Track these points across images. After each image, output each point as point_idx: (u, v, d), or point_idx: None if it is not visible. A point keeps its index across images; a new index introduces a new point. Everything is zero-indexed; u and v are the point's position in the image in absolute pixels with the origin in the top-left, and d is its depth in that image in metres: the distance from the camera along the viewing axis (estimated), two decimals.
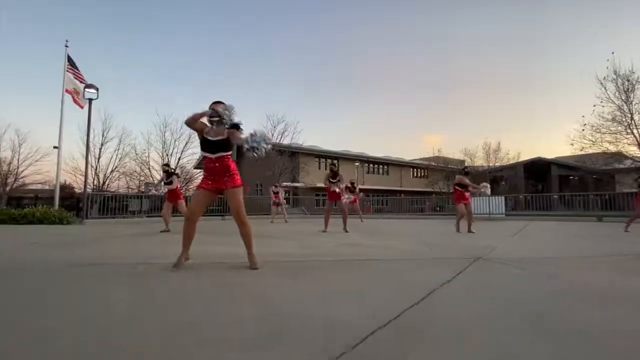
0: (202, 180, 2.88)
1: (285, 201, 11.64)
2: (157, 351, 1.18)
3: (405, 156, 39.82)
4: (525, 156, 36.03)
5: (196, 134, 2.88)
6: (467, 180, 6.53)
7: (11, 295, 1.94)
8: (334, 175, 6.73)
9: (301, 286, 2.19)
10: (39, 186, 24.20)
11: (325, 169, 31.20)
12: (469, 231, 6.12)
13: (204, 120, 2.85)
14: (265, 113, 34.16)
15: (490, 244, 4.38)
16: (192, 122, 2.83)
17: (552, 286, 2.18)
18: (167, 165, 8.07)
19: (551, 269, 2.71)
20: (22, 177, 22.64)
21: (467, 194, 6.53)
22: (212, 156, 2.73)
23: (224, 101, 2.84)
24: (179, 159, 22.48)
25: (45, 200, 15.88)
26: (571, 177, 33.48)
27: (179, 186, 7.29)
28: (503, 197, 12.84)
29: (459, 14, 50.93)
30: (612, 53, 16.51)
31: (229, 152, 2.81)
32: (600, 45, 44.76)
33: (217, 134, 2.74)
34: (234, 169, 2.83)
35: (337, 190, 6.51)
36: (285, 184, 22.98)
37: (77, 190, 19.73)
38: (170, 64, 47.58)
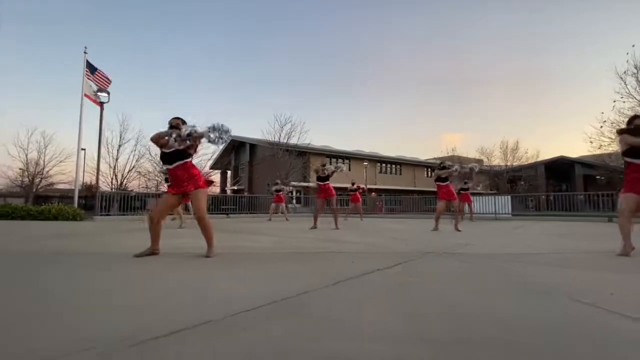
0: (169, 186, 3.31)
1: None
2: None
3: (425, 156, 39.24)
4: (545, 156, 34.83)
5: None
6: (441, 172, 6.49)
7: None
8: (325, 177, 6.88)
9: (232, 272, 2.33)
10: (66, 186, 25.62)
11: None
12: (456, 229, 6.07)
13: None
14: (273, 114, 34.40)
15: (464, 242, 4.37)
16: (157, 140, 3.05)
17: (471, 276, 2.22)
18: None
19: (492, 263, 2.72)
20: (48, 177, 24.02)
21: (451, 190, 6.49)
22: (171, 167, 3.03)
23: (181, 117, 3.14)
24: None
25: (70, 200, 16.85)
26: (597, 177, 32.01)
27: None
28: (509, 197, 12.50)
29: (472, 15, 49.69)
30: (633, 46, 15.77)
31: (187, 159, 3.04)
32: (619, 39, 42.58)
33: (171, 147, 3.00)
34: (194, 173, 3.06)
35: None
36: (293, 183, 23.21)
37: (101, 189, 20.73)
38: (184, 66, 49.04)
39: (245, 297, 1.62)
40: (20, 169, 23.44)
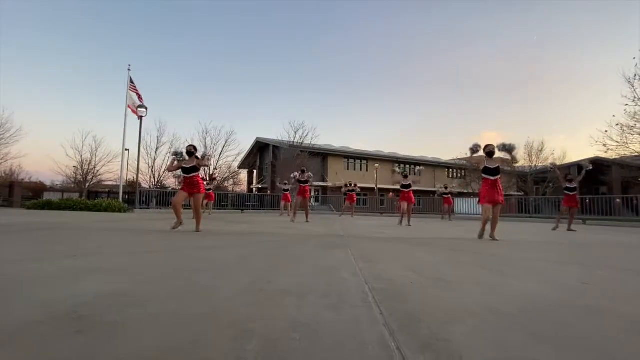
0: (182, 186, 5.21)
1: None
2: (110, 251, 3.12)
3: (452, 156, 39.36)
4: (573, 157, 33.77)
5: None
6: (403, 182, 8.25)
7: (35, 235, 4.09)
8: (303, 177, 8.51)
9: (198, 239, 4.04)
10: (112, 183, 29.25)
11: (354, 170, 32.65)
12: (408, 224, 7.55)
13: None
14: (288, 121, 36.68)
15: (388, 231, 5.85)
16: (172, 170, 5.31)
17: (309, 241, 3.75)
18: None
19: (358, 240, 4.24)
20: (98, 175, 27.63)
21: (409, 194, 8.01)
22: (187, 175, 5.14)
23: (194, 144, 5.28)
24: (218, 160, 25.55)
25: (115, 195, 19.78)
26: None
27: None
28: None
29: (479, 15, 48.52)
30: None
31: (197, 173, 5.16)
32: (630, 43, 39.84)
33: (189, 163, 5.15)
34: (199, 182, 5.17)
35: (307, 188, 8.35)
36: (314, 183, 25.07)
37: (140, 187, 23.79)
38: (210, 72, 52.47)
39: (195, 242, 3.33)
40: (74, 166, 27.16)
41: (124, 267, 2.19)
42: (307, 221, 8.21)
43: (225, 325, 1.18)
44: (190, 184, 5.06)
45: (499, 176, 4.85)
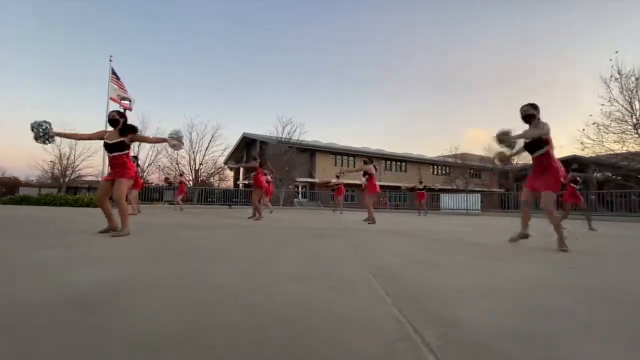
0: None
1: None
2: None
3: (435, 153, 40.09)
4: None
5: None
6: (367, 168, 6.90)
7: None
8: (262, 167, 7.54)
9: (199, 229, 4.05)
10: (93, 178, 28.38)
11: (342, 165, 32.82)
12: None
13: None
14: (276, 116, 36.40)
15: (356, 225, 6.01)
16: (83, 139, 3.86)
17: (273, 232, 3.84)
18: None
19: (323, 230, 4.36)
20: (78, 170, 26.78)
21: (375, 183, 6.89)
22: (110, 154, 3.51)
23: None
24: (204, 155, 25.24)
25: (96, 190, 19.15)
26: (614, 177, 31.88)
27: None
28: (479, 195, 13.76)
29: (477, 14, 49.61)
30: (616, 52, 16.42)
31: (125, 152, 3.51)
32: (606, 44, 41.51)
33: (112, 138, 3.49)
34: (127, 164, 3.51)
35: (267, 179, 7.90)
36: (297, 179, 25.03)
37: None
38: (196, 68, 51.53)
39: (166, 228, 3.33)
40: (50, 161, 26.17)
41: (130, 255, 2.20)
42: (256, 218, 6.68)
43: (249, 277, 1.24)
44: (113, 164, 3.51)
45: (540, 151, 3.20)
